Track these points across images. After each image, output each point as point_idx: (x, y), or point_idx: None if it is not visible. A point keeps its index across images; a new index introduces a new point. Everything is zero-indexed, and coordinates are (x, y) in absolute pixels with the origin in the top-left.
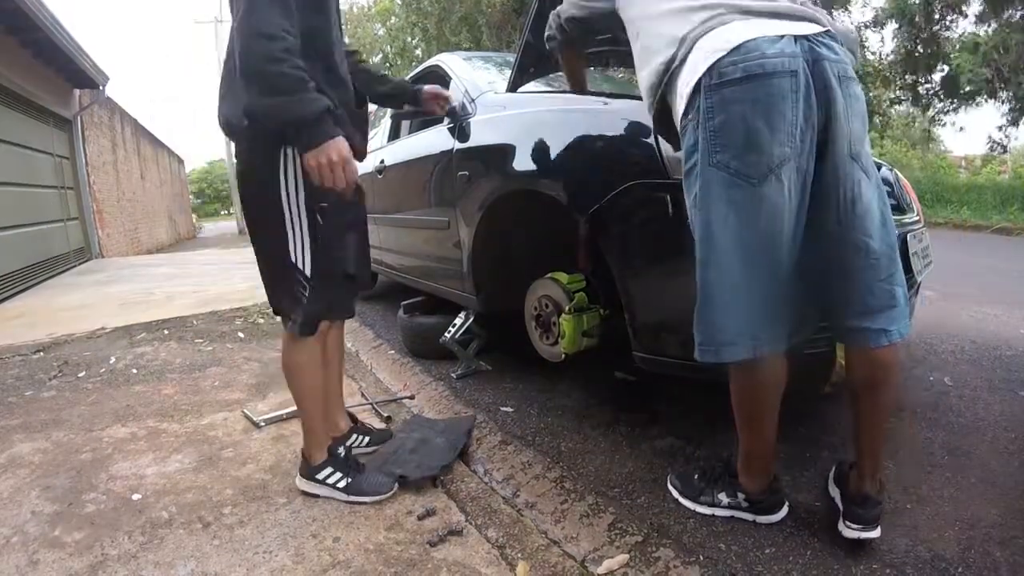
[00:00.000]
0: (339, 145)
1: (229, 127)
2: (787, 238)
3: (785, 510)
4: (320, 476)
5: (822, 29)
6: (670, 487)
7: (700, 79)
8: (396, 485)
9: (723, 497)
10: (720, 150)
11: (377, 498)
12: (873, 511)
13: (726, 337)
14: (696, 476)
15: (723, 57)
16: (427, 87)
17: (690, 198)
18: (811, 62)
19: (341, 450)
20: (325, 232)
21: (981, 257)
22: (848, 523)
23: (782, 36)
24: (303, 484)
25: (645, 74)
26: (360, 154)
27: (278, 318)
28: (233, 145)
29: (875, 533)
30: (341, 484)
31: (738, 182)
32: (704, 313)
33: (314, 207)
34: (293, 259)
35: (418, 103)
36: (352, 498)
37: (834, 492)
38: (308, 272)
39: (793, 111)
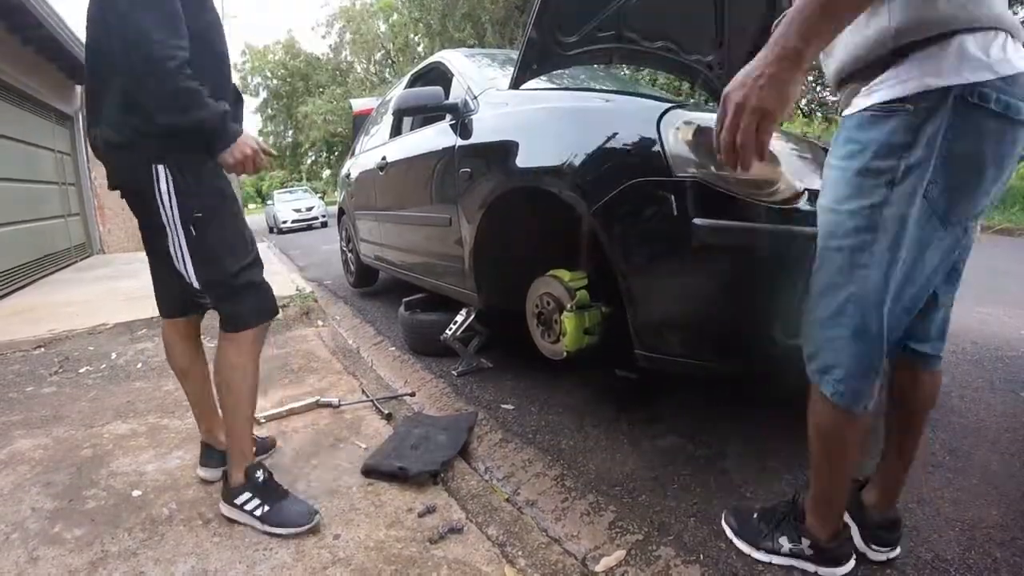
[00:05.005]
0: (247, 139)
1: (108, 146)
2: None
3: (852, 563)
4: (238, 501)
5: None
6: (724, 525)
7: (954, 86)
8: (316, 517)
9: (784, 543)
10: (936, 183)
11: (296, 530)
12: (899, 531)
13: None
14: (755, 516)
15: (991, 80)
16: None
17: (858, 211)
18: None
19: (260, 474)
20: (203, 242)
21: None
22: (875, 547)
23: None
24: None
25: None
26: None
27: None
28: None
29: (899, 550)
30: (258, 512)
31: (933, 222)
32: (862, 347)
33: (188, 220)
34: (179, 270)
35: None
36: (268, 528)
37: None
38: (196, 285)
39: (1011, 163)
